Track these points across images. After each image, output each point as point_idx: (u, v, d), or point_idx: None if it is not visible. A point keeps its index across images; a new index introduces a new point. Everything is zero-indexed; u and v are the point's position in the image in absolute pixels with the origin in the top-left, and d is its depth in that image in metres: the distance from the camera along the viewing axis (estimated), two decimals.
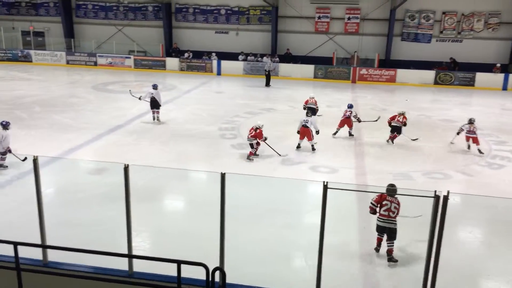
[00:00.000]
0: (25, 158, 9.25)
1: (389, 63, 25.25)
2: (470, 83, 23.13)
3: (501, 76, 22.86)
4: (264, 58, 24.94)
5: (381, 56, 25.32)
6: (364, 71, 24.16)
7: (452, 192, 3.90)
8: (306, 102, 15.14)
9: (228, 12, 27.16)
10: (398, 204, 6.23)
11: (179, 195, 9.00)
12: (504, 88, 22.56)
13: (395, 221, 6.22)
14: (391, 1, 24.92)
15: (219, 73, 25.51)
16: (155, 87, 14.26)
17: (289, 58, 25.97)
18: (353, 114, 13.26)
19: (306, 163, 10.52)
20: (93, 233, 6.81)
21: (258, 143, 10.74)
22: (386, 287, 5.84)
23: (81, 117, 14.48)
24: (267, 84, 22.24)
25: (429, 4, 24.86)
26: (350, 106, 13.49)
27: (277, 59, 25.60)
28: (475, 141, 11.59)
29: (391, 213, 6.20)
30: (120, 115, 14.88)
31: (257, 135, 10.71)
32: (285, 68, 25.03)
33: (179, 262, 3.69)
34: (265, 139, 10.81)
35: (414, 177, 9.84)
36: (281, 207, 7.93)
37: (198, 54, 26.65)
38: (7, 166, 9.53)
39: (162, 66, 26.10)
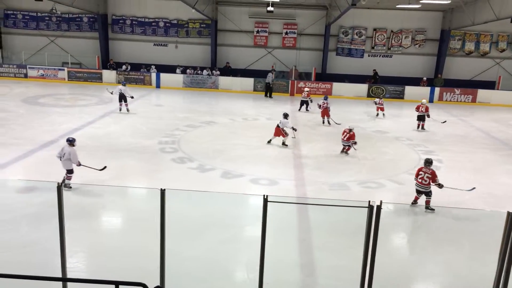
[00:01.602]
0: (104, 167, 9.51)
1: (325, 76, 26.16)
2: (400, 95, 24.46)
3: (427, 89, 24.40)
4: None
5: (317, 70, 26.17)
6: (302, 84, 24.81)
7: (385, 202, 4.10)
8: (308, 95, 19.68)
9: (167, 24, 26.94)
10: (431, 174, 8.63)
11: (117, 213, 8.72)
12: (431, 100, 24.04)
13: (429, 186, 8.61)
14: (326, 17, 25.92)
15: (158, 86, 25.15)
16: (123, 84, 18.14)
17: (228, 71, 26.15)
18: (329, 105, 17.24)
19: (247, 176, 10.59)
20: (23, 256, 6.41)
21: (355, 143, 12.57)
22: None
23: (10, 132, 13.67)
24: (269, 95, 23.78)
25: (361, 21, 26.12)
26: (326, 98, 17.65)
27: (218, 72, 25.70)
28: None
29: (423, 181, 8.63)
30: (53, 129, 14.22)
31: (351, 137, 12.65)
32: (224, 81, 25.17)
33: (116, 283, 3.57)
34: (355, 143, 12.56)
35: (350, 186, 10.20)
36: (222, 222, 7.91)
37: (136, 67, 26.13)
38: (71, 187, 8.97)
39: (98, 78, 25.31)
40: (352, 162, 12.14)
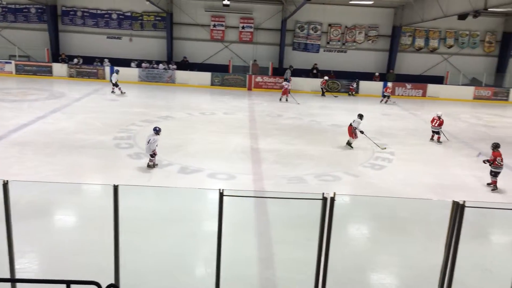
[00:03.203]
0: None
1: (282, 71, 26.36)
2: (356, 91, 25.03)
3: (380, 84, 25.11)
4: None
5: (274, 65, 26.33)
6: (259, 78, 24.91)
7: (338, 194, 4.20)
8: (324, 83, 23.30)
9: (121, 17, 26.26)
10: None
11: (69, 211, 8.45)
12: (383, 95, 24.76)
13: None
14: (282, 12, 26.09)
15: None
16: (116, 72, 20.92)
17: (186, 65, 25.84)
18: (290, 87, 20.93)
19: (204, 171, 10.53)
20: None
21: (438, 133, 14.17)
22: None
23: None
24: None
25: (317, 16, 26.48)
26: (287, 80, 21.78)
27: (175, 66, 25.34)
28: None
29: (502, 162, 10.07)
30: (1, 125, 13.57)
31: (441, 123, 14.05)
32: (181, 75, 24.88)
33: (68, 282, 3.46)
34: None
35: (307, 180, 10.36)
36: (179, 217, 7.84)
37: (89, 60, 25.34)
38: (157, 164, 10.51)
39: (48, 72, 24.36)
40: (309, 156, 12.33)
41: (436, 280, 4.66)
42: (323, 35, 27.03)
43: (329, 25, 26.89)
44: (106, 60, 25.41)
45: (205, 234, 7.35)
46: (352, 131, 13.33)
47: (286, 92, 21.36)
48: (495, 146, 10.44)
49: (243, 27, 26.63)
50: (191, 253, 6.78)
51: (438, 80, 26.35)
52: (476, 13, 17.09)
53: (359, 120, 13.49)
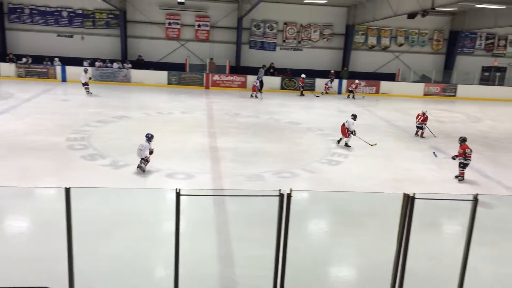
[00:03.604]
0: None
1: (239, 69, 26.41)
2: (311, 88, 25.42)
3: (335, 81, 25.62)
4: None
5: (231, 63, 26.33)
6: (216, 77, 24.83)
7: (295, 190, 4.27)
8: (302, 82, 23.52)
9: (71, 14, 25.46)
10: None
11: (20, 215, 8.12)
12: (339, 92, 25.33)
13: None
14: (238, 10, 26.12)
15: (64, 80, 23.72)
16: (85, 71, 20.24)
17: (141, 64, 25.38)
18: (258, 84, 21.88)
19: (162, 171, 10.40)
20: None
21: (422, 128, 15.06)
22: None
23: None
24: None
25: (272, 15, 26.70)
26: (258, 78, 22.42)
27: (130, 65, 24.83)
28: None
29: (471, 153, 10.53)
30: None
31: (425, 119, 14.83)
32: (137, 74, 24.42)
33: None
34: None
35: (266, 177, 10.44)
36: (137, 219, 7.71)
37: (38, 59, 24.39)
38: (143, 172, 10.05)
39: None
40: (267, 154, 12.43)
41: (390, 269, 4.84)
42: (279, 33, 27.29)
43: (285, 23, 27.18)
44: (56, 59, 24.56)
45: (163, 235, 7.27)
46: (346, 130, 13.47)
47: (254, 89, 22.25)
48: (463, 140, 10.78)
49: (199, 25, 26.46)
50: (149, 255, 6.69)
51: (391, 77, 27.22)
52: (424, 12, 17.77)
53: (352, 120, 13.67)
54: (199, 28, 26.52)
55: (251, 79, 24.98)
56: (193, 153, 12.10)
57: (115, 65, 24.63)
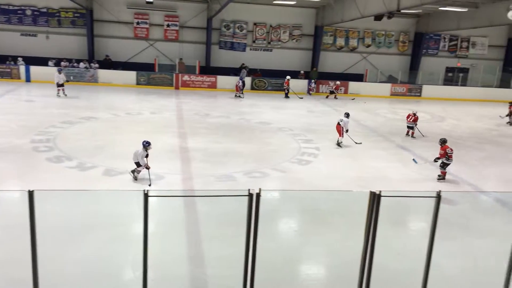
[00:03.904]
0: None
1: (209, 70, 26.32)
2: (282, 88, 25.55)
3: (305, 81, 25.90)
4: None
5: (202, 63, 26.22)
6: (186, 77, 24.67)
7: (264, 189, 4.31)
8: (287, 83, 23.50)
9: (35, 13, 24.77)
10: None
11: None
12: (308, 92, 25.57)
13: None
14: (208, 10, 26.04)
15: (28, 80, 23.07)
16: (59, 71, 19.61)
17: (109, 64, 24.94)
18: (240, 84, 22.54)
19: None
20: None
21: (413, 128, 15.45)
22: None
23: None
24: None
25: (242, 15, 26.74)
26: (241, 78, 22.98)
27: (97, 65, 24.37)
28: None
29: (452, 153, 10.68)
30: None
31: (416, 119, 15.36)
32: (104, 74, 23.99)
33: None
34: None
35: (236, 177, 10.46)
36: (104, 221, 7.58)
37: (1, 59, 23.63)
38: (136, 179, 9.66)
39: None
40: (237, 154, 12.44)
41: (358, 266, 4.94)
42: (249, 34, 27.36)
43: (255, 24, 27.27)
44: (20, 59, 23.82)
45: (132, 237, 7.17)
46: (341, 129, 13.76)
47: (237, 89, 22.87)
48: (443, 142, 11.01)
49: (168, 25, 26.23)
50: (118, 257, 6.60)
51: (359, 77, 27.72)
52: (390, 14, 18.19)
53: (347, 119, 13.99)
54: (168, 28, 26.28)
55: (221, 79, 24.98)
56: (163, 154, 11.98)
57: (81, 65, 24.13)
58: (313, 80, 25.43)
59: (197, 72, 25.48)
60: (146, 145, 9.63)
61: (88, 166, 10.45)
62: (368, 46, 28.94)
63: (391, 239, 7.17)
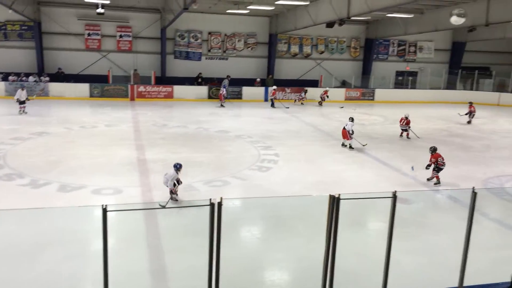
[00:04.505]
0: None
1: (165, 80, 26.06)
2: (238, 96, 25.71)
3: (261, 89, 26.13)
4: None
5: (157, 74, 25.92)
6: (142, 88, 24.31)
7: (225, 198, 4.30)
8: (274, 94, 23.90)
9: None
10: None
11: None
12: (265, 99, 25.84)
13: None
14: (161, 20, 25.82)
15: None
16: (22, 88, 18.87)
17: (62, 77, 24.20)
18: (224, 92, 23.01)
19: (88, 187, 9.97)
20: None
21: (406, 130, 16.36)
22: None
23: None
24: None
25: (196, 24, 26.70)
26: (224, 86, 23.53)
27: (47, 78, 23.57)
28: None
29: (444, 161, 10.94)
30: None
31: (408, 122, 16.21)
32: (56, 87, 23.26)
33: None
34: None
35: (197, 187, 10.38)
36: (63, 239, 7.33)
37: None
38: (176, 200, 8.94)
39: None
40: (197, 163, 12.35)
41: (321, 268, 5.01)
42: (204, 43, 27.33)
43: (209, 33, 27.29)
44: None
45: (91, 254, 6.97)
46: (348, 133, 14.38)
47: (221, 97, 23.22)
48: (433, 150, 11.34)
49: (120, 36, 25.79)
50: (77, 276, 6.38)
51: (314, 83, 28.23)
52: (341, 21, 18.68)
53: (352, 123, 14.61)
54: (121, 39, 25.83)
55: (178, 89, 24.80)
56: (121, 167, 11.73)
57: (31, 78, 23.27)
58: (305, 89, 25.56)
59: (152, 82, 25.14)
60: (179, 167, 9.04)
61: (41, 183, 10.07)
62: (322, 52, 29.59)
63: (352, 240, 7.33)
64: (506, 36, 26.78)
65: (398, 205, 4.87)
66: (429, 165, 11.15)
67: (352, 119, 14.93)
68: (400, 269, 6.33)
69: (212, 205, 4.01)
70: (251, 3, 21.18)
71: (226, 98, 23.70)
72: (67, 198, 9.35)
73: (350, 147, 14.57)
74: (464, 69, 30.11)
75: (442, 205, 10.38)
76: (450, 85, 29.84)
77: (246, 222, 8.63)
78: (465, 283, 5.11)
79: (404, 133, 16.83)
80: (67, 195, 9.56)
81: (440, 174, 11.07)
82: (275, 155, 13.54)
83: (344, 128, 14.62)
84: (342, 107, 24.03)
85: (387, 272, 5.06)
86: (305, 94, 25.41)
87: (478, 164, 12.93)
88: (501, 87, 29.35)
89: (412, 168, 11.77)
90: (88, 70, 25.58)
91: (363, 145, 14.69)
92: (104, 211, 3.87)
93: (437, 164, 11.00)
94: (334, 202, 4.61)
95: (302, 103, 25.22)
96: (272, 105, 23.93)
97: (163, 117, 19.44)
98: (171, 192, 8.97)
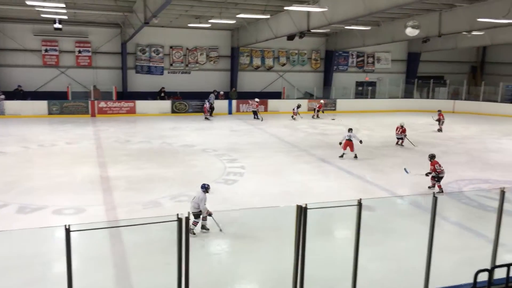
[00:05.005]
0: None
1: (127, 95, 25.67)
2: (202, 110, 25.54)
3: (225, 102, 26.16)
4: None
5: (118, 89, 25.50)
6: (103, 104, 23.84)
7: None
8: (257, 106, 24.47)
9: None
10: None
11: None
12: (230, 112, 25.89)
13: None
14: (121, 35, 25.50)
15: None
16: None
17: (21, 95, 23.40)
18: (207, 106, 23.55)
19: (48, 208, 9.63)
20: None
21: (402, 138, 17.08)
22: None
23: None
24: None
25: (157, 39, 26.54)
26: (209, 100, 24.17)
27: (3, 96, 22.75)
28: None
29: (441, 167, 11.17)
30: None
31: (404, 131, 16.97)
32: (11, 106, 22.45)
33: None
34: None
35: (163, 203, 10.23)
36: (22, 263, 7.03)
37: None
38: (208, 229, 8.41)
39: None
40: (162, 179, 12.19)
41: (291, 279, 5.03)
42: (165, 57, 27.16)
43: (171, 47, 27.17)
44: None
45: (55, 277, 6.73)
46: (352, 144, 14.80)
47: (205, 110, 23.80)
48: (432, 157, 11.56)
49: (79, 51, 25.27)
50: None
51: (277, 95, 28.52)
52: (302, 34, 19.04)
53: (354, 133, 15.19)
54: (80, 54, 25.31)
55: (140, 104, 24.49)
56: (83, 186, 11.42)
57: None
58: (297, 104, 25.10)
59: (114, 98, 24.69)
60: (208, 187, 8.71)
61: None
62: (283, 64, 29.99)
63: (320, 249, 7.40)
64: (458, 46, 28.02)
65: (363, 212, 4.97)
66: (429, 173, 11.37)
67: (351, 130, 15.32)
68: (368, 276, 6.43)
69: (179, 220, 3.97)
70: (212, 17, 21.28)
71: (210, 112, 24.09)
72: (27, 220, 8.99)
73: (355, 156, 14.94)
74: (420, 78, 31.21)
75: (405, 211, 10.65)
76: (408, 94, 30.84)
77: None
78: (430, 286, 5.25)
79: (400, 141, 17.45)
80: (27, 216, 9.20)
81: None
82: (241, 168, 13.54)
83: (349, 140, 14.88)
84: (333, 119, 24.23)
85: (355, 279, 5.14)
86: (297, 109, 24.87)
87: None
88: (455, 95, 30.63)
89: (406, 170, 11.98)
90: (46, 87, 24.87)
91: (360, 143, 15.23)
92: (67, 231, 3.76)
93: (436, 172, 11.20)
94: (302, 212, 4.66)
95: (294, 119, 24.44)
96: (256, 117, 24.22)
97: (126, 133, 19.10)
98: (205, 218, 8.39)
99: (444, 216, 9.32)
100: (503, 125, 23.35)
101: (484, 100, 28.97)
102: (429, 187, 11.56)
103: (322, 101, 26.05)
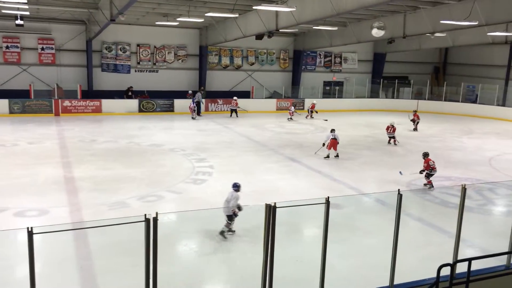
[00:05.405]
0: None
1: (92, 93, 25.10)
2: (170, 109, 25.32)
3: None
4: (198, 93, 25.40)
5: (83, 87, 24.90)
6: (67, 103, 23.22)
7: (161, 213, 4.22)
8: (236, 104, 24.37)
9: None
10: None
11: None
12: (198, 112, 25.64)
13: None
14: (86, 32, 24.92)
15: None
16: None
17: None
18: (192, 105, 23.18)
19: (9, 210, 9.32)
20: None
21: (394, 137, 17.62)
22: None
23: None
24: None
25: (124, 36, 26.07)
26: (194, 100, 23.43)
27: None
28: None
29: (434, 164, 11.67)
30: None
31: (394, 130, 17.49)
32: None
33: None
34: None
35: (130, 203, 10.06)
36: None
37: None
38: (234, 231, 8.25)
39: None
40: (129, 179, 11.98)
41: (260, 278, 5.05)
42: (132, 55, 26.72)
43: (138, 45, 26.75)
44: None
45: (17, 281, 6.51)
46: (337, 143, 14.86)
47: (190, 110, 23.58)
48: (425, 155, 11.98)
49: (42, 49, 24.53)
50: None
51: (246, 94, 28.51)
52: (270, 34, 19.12)
53: (335, 133, 15.06)
54: (43, 52, 24.57)
55: (107, 103, 23.99)
56: (46, 187, 11.09)
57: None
58: (293, 105, 25.38)
59: (78, 96, 24.08)
60: (239, 185, 8.61)
61: None
62: (252, 64, 30.03)
63: (289, 247, 7.45)
64: (422, 47, 28.82)
65: (331, 210, 5.04)
66: (422, 170, 11.80)
67: (334, 130, 15.35)
68: (336, 273, 6.54)
69: (147, 220, 3.92)
70: (180, 15, 21.06)
71: (195, 111, 23.89)
72: None
73: (337, 156, 15.05)
74: (385, 78, 31.91)
75: (371, 207, 10.86)
76: (374, 94, 31.49)
77: (183, 236, 8.49)
78: (396, 281, 5.38)
79: (392, 140, 17.84)
80: None
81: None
82: (209, 167, 13.48)
83: (333, 139, 14.88)
84: (326, 120, 24.03)
85: (323, 276, 5.20)
86: (294, 108, 25.44)
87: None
88: (418, 95, 31.48)
89: (400, 172, 12.45)
90: (7, 85, 24.01)
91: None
92: (30, 233, 3.64)
93: (430, 168, 11.67)
94: (271, 211, 4.68)
95: (291, 118, 24.47)
96: (235, 114, 24.61)
97: (91, 132, 18.67)
98: (232, 217, 8.20)
99: (409, 213, 9.58)
100: (464, 124, 24.19)
101: (446, 100, 29.91)
102: (424, 185, 11.96)
103: (314, 101, 26.05)
